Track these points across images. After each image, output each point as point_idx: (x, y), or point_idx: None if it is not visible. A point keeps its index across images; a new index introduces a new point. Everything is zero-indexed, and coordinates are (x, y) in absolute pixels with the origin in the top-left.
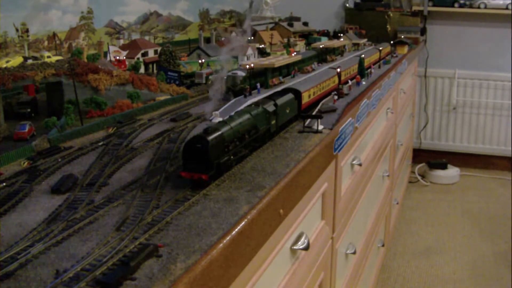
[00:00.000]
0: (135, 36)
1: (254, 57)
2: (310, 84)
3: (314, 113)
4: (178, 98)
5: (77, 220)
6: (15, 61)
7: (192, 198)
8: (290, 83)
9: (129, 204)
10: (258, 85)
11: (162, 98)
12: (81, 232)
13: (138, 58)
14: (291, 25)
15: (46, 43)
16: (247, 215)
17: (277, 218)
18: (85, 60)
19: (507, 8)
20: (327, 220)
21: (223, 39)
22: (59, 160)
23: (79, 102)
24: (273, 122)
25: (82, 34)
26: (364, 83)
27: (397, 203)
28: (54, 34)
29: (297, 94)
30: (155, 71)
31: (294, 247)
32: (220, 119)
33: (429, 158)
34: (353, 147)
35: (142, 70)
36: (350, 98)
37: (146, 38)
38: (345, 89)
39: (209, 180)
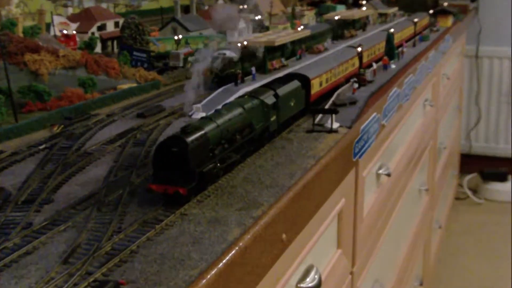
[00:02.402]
0: (89, 4)
1: (248, 32)
2: (321, 69)
3: (327, 106)
4: (147, 87)
5: (9, 250)
6: None
7: (165, 219)
8: (295, 66)
9: (81, 227)
10: (254, 69)
11: (126, 86)
12: (14, 267)
13: (93, 33)
14: None
15: None
16: (238, 242)
17: (279, 246)
18: (20, 34)
19: None
20: (344, 249)
21: (206, 7)
22: None
23: (12, 92)
24: (273, 118)
25: (15, 0)
26: (393, 66)
27: (440, 227)
28: None
29: (305, 81)
30: (116, 50)
31: (301, 285)
32: (203, 114)
33: (483, 167)
34: (379, 152)
35: (98, 49)
36: (374, 87)
37: (104, 6)
38: (368, 74)
39: (188, 195)
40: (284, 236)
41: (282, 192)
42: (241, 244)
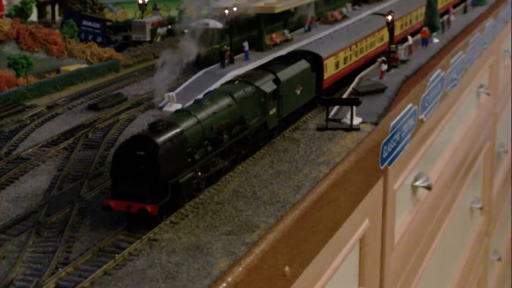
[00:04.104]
0: None
1: None
2: (338, 44)
3: (345, 95)
4: (102, 69)
5: None
6: None
7: (128, 246)
8: (303, 41)
9: (13, 258)
10: (246, 45)
11: (73, 68)
12: None
13: None
14: None
15: None
16: (226, 277)
17: (281, 283)
18: None
19: None
20: None
21: None
22: None
23: None
24: (273, 111)
25: None
26: (436, 40)
27: (499, 259)
28: None
29: (316, 61)
30: (58, 18)
31: None
32: (179, 106)
33: None
34: (416, 157)
35: (34, 16)
36: (410, 69)
37: None
38: (401, 52)
39: (159, 214)
40: (287, 269)
41: (285, 211)
42: (230, 279)
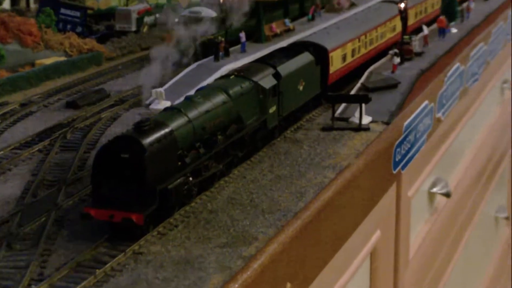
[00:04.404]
0: None
1: None
2: (345, 35)
3: (353, 91)
4: (82, 62)
5: None
6: None
7: (111, 260)
8: (306, 32)
9: None
10: (243, 35)
11: (50, 60)
12: None
13: None
14: None
15: None
16: None
17: None
18: None
19: None
20: None
21: None
22: None
23: None
24: (273, 109)
25: None
26: (454, 30)
27: None
28: None
29: (321, 54)
30: (33, 6)
31: None
32: (168, 103)
33: None
34: (433, 160)
35: (6, 4)
36: (425, 62)
37: None
38: (416, 43)
39: (145, 224)
40: (289, 286)
41: (286, 221)
42: None
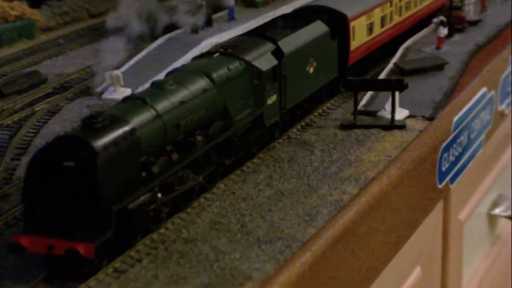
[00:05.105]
0: None
1: None
2: None
3: (382, 75)
4: (9, 33)
5: None
6: None
7: None
8: None
9: None
10: None
11: None
12: None
13: None
14: None
15: None
16: None
17: None
18: None
19: None
20: None
21: None
22: None
23: None
24: (272, 100)
25: None
26: None
27: None
28: None
29: (338, 22)
30: None
31: None
32: (128, 91)
33: None
34: (493, 171)
35: None
36: (483, 35)
37: None
38: (469, 7)
39: (97, 258)
40: None
41: (291, 253)
42: None
